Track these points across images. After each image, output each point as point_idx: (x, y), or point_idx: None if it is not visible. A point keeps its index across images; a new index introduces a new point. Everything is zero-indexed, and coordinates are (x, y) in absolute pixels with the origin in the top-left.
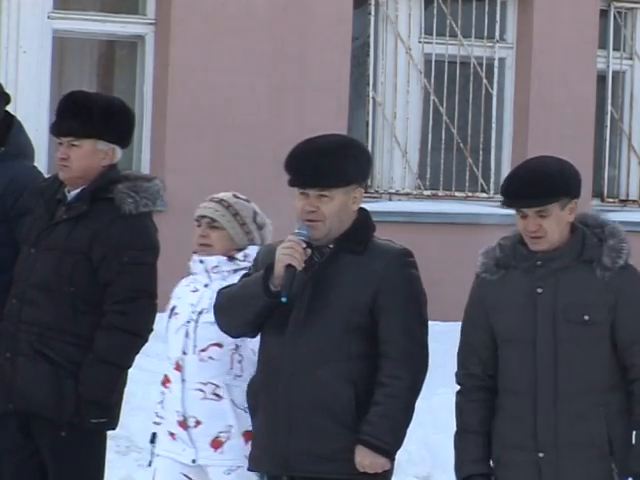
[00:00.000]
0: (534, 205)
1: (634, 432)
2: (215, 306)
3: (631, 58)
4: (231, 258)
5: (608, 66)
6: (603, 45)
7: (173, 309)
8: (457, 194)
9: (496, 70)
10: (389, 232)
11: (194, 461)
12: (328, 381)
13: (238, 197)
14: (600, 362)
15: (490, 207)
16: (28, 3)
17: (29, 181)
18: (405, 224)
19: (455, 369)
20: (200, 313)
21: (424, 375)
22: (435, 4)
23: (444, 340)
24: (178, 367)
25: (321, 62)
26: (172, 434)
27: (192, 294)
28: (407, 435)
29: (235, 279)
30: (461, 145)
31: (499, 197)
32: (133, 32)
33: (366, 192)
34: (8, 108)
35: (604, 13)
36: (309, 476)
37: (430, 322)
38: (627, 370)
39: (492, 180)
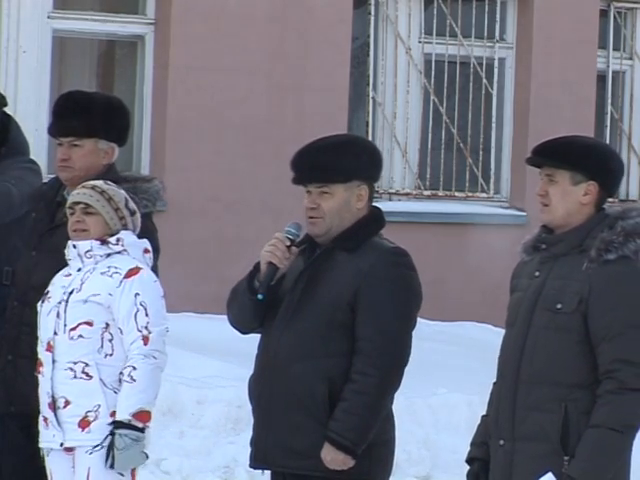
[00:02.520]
0: (543, 163)
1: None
2: (227, 303)
3: (631, 58)
4: (104, 242)
5: (608, 66)
6: (603, 45)
7: (46, 294)
8: (457, 194)
9: (496, 70)
10: (389, 232)
11: (62, 444)
12: (304, 377)
13: (109, 184)
14: (564, 355)
15: (490, 207)
16: (28, 3)
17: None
18: (405, 224)
19: (453, 369)
20: (71, 293)
21: (396, 373)
22: (435, 4)
23: (444, 340)
24: (49, 348)
25: (321, 62)
26: (45, 419)
27: (65, 278)
28: (407, 435)
29: (108, 263)
30: (461, 145)
31: (499, 197)
32: (133, 32)
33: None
34: (9, 109)
35: (604, 13)
36: (286, 472)
37: (430, 322)
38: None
39: (492, 180)
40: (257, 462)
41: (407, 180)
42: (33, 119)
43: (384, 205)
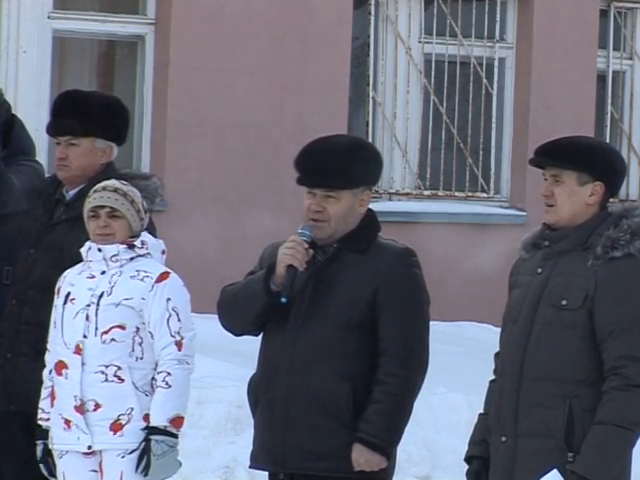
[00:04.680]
0: (548, 164)
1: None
2: (218, 304)
3: (631, 58)
4: (130, 246)
5: (608, 66)
6: (603, 45)
7: (68, 295)
8: (457, 194)
9: (496, 70)
10: (389, 232)
11: (90, 447)
12: (326, 378)
13: (125, 184)
14: (569, 351)
15: (490, 207)
16: (28, 3)
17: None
18: (405, 224)
19: (453, 369)
20: (100, 296)
21: (423, 373)
22: (435, 4)
23: (444, 340)
24: (78, 350)
25: (321, 62)
26: (67, 422)
27: (88, 280)
28: (407, 435)
29: (135, 267)
30: (461, 145)
31: (499, 197)
32: (133, 32)
33: None
34: None
35: (604, 13)
36: (306, 473)
37: (430, 322)
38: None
39: (492, 180)
40: (271, 464)
41: (407, 180)
42: (33, 119)
43: (384, 205)
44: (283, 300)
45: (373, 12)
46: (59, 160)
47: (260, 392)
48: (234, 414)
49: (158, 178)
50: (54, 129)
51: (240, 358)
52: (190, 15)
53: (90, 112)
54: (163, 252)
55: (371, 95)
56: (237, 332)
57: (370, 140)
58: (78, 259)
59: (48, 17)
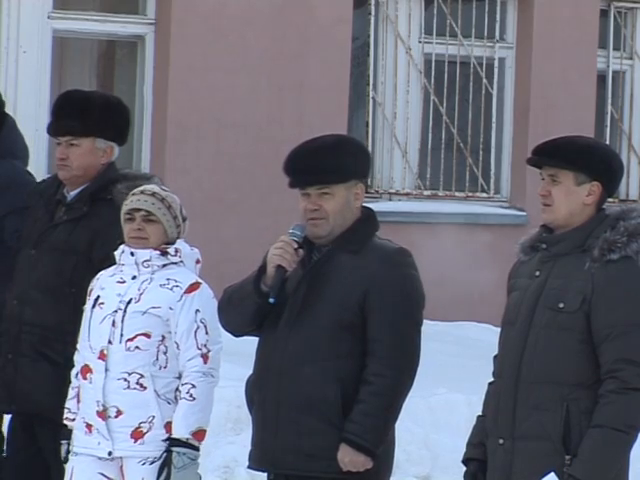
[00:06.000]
0: (545, 164)
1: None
2: (218, 305)
3: (631, 58)
4: (163, 253)
5: (608, 66)
6: (603, 45)
7: (97, 299)
8: (457, 194)
9: (496, 70)
10: (389, 232)
11: (110, 453)
12: (315, 379)
13: (165, 189)
14: (566, 354)
15: (490, 207)
16: (28, 3)
17: (11, 180)
18: (405, 224)
19: (453, 369)
20: (128, 303)
21: (411, 375)
22: (435, 4)
23: (444, 340)
24: (102, 356)
25: (321, 62)
26: (89, 426)
27: (118, 285)
28: (407, 435)
29: (166, 275)
30: (461, 145)
31: (499, 197)
32: (133, 32)
33: (366, 192)
34: (9, 109)
35: (604, 13)
36: (295, 474)
37: (430, 322)
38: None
39: (492, 180)
40: (262, 464)
41: (407, 180)
42: (33, 119)
43: (384, 205)
44: (271, 301)
45: (373, 12)
46: (60, 160)
47: (254, 392)
48: (234, 414)
49: (159, 178)
50: (54, 129)
51: (240, 358)
52: (190, 15)
53: (91, 112)
54: (198, 261)
55: (371, 95)
56: (236, 332)
57: (370, 140)
58: (79, 260)
59: (48, 17)
